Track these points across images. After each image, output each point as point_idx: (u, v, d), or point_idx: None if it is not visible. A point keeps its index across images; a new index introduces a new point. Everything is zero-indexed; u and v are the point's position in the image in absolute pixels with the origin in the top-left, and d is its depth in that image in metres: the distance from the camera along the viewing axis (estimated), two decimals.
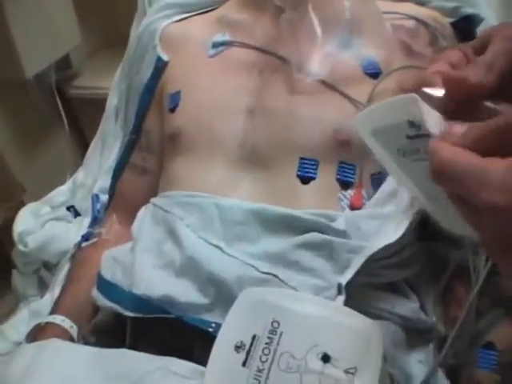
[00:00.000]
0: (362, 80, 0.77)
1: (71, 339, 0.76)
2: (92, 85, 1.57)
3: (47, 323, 0.79)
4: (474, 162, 0.37)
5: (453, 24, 0.87)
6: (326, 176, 0.74)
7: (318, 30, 0.74)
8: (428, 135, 0.41)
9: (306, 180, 0.74)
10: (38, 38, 1.36)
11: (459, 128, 0.40)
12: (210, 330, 0.62)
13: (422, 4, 0.91)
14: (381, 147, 0.48)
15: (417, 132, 0.43)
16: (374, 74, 0.78)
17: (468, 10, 0.89)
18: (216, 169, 0.78)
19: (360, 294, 0.67)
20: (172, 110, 0.86)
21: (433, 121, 0.42)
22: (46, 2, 1.38)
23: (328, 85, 0.77)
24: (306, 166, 0.74)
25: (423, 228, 0.71)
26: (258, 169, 0.76)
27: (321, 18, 0.75)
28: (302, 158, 0.74)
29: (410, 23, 0.83)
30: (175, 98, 0.86)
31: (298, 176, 0.74)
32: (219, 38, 0.87)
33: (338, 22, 0.73)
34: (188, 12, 0.98)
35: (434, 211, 0.48)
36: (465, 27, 0.87)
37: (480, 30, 0.86)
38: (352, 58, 0.78)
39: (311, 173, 0.74)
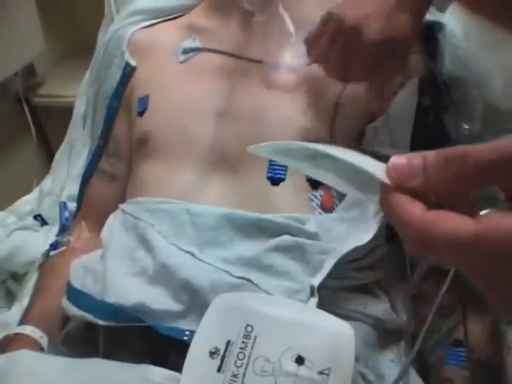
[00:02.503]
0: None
1: (41, 350, 0.75)
2: (57, 93, 1.55)
3: (16, 334, 0.77)
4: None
5: None
6: (295, 177, 0.75)
7: (291, 28, 0.75)
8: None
9: (276, 181, 0.75)
10: (1, 46, 1.34)
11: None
12: (185, 338, 0.62)
13: None
14: (286, 160, 0.48)
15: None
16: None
17: (430, 18, 0.91)
18: (185, 173, 0.78)
19: (332, 296, 0.68)
20: (140, 114, 0.86)
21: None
22: (10, 9, 1.35)
23: (300, 82, 0.78)
24: (276, 167, 0.75)
25: (392, 229, 0.72)
26: (228, 172, 0.77)
27: (292, 18, 0.76)
28: (271, 160, 0.75)
29: None
30: (144, 102, 0.86)
31: (268, 178, 0.75)
32: (189, 44, 0.87)
33: (309, 20, 0.74)
34: (156, 18, 0.98)
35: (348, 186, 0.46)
36: (426, 33, 0.89)
37: (441, 36, 0.88)
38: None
39: (281, 174, 0.74)
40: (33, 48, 1.46)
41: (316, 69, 0.75)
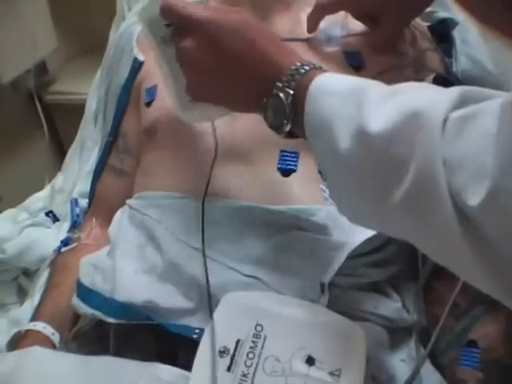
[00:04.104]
0: (345, 70, 0.78)
1: (53, 347, 0.75)
2: (69, 90, 1.56)
3: (28, 331, 0.77)
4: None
5: (429, 27, 0.88)
6: (307, 168, 0.74)
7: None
8: None
9: (286, 173, 0.74)
10: (14, 44, 1.35)
11: None
12: (194, 336, 0.62)
13: None
14: (151, 37, 0.68)
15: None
16: (357, 66, 0.80)
17: (442, 15, 0.90)
18: (193, 164, 0.77)
19: (343, 295, 0.67)
20: (148, 105, 0.85)
21: None
22: (23, 7, 1.36)
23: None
24: (287, 158, 0.74)
25: None
26: (237, 163, 0.76)
27: None
28: (282, 151, 0.74)
29: None
30: (151, 93, 0.85)
31: (279, 169, 0.74)
32: None
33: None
34: None
35: (177, 95, 0.69)
36: (440, 30, 0.88)
37: (455, 32, 0.88)
38: (337, 48, 0.80)
39: (292, 165, 0.73)
40: (45, 45, 1.47)
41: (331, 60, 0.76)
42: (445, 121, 0.45)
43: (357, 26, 0.82)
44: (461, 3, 0.44)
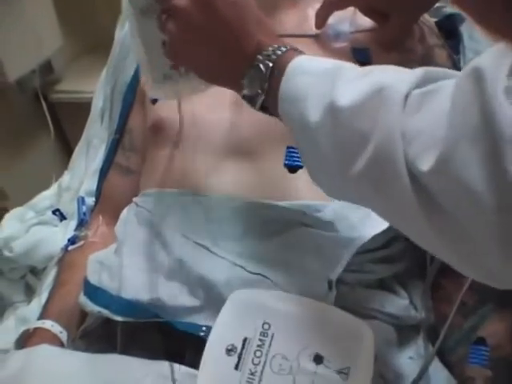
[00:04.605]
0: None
1: (61, 345, 0.75)
2: (75, 89, 1.56)
3: (36, 329, 0.77)
4: None
5: (437, 23, 0.88)
6: None
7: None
8: None
9: (293, 169, 0.73)
10: (19, 43, 1.35)
11: None
12: (201, 334, 0.62)
13: None
14: (131, 7, 0.67)
15: None
16: (364, 63, 0.79)
17: (450, 10, 0.90)
18: (199, 161, 0.77)
19: (350, 292, 0.67)
20: (154, 102, 0.85)
21: None
22: (28, 7, 1.36)
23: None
24: (294, 154, 0.74)
25: None
26: (244, 160, 0.76)
27: None
28: (289, 147, 0.74)
29: None
30: None
31: (286, 165, 0.73)
32: None
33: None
34: None
35: (151, 68, 0.70)
36: (448, 26, 0.88)
37: (463, 28, 0.87)
38: (345, 43, 0.80)
39: (299, 161, 0.73)
40: (50, 44, 1.47)
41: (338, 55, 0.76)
42: (407, 97, 0.48)
43: (365, 22, 0.81)
44: (458, 4, 0.44)
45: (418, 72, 0.51)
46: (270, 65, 0.58)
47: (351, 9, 0.81)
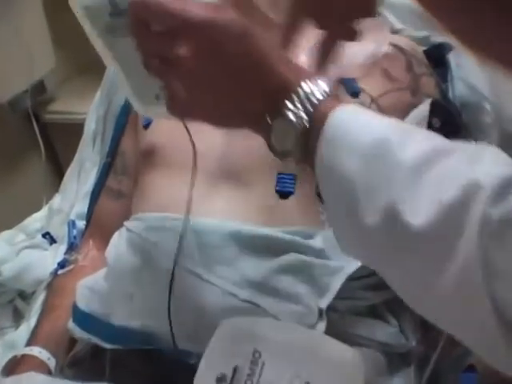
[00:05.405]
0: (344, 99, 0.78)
1: (49, 372, 0.75)
2: (67, 110, 1.56)
3: (24, 355, 0.77)
4: None
5: (425, 52, 0.89)
6: (304, 190, 0.73)
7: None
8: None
9: (284, 195, 0.74)
10: (12, 63, 1.35)
11: None
12: (192, 361, 0.61)
13: (395, 33, 0.93)
14: (90, 24, 0.59)
15: (116, 9, 0.55)
16: (354, 93, 0.79)
17: (438, 39, 0.91)
18: (190, 186, 0.77)
19: (340, 320, 0.67)
20: (146, 127, 0.85)
21: None
22: (21, 27, 1.37)
23: None
24: (285, 180, 0.74)
25: None
26: (235, 185, 0.76)
27: None
28: (280, 173, 0.74)
29: (389, 49, 0.85)
30: None
31: (277, 191, 0.74)
32: None
33: None
34: None
35: (129, 84, 0.61)
36: (436, 55, 0.89)
37: (451, 56, 0.88)
38: (333, 77, 0.78)
39: (290, 187, 0.73)
40: (43, 65, 1.47)
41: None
42: (485, 217, 0.41)
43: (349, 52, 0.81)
44: (444, 23, 0.42)
45: (495, 175, 0.42)
46: (305, 117, 0.48)
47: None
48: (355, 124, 0.48)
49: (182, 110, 0.55)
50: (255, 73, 0.51)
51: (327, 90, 0.49)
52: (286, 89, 0.49)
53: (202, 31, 0.50)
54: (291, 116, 0.49)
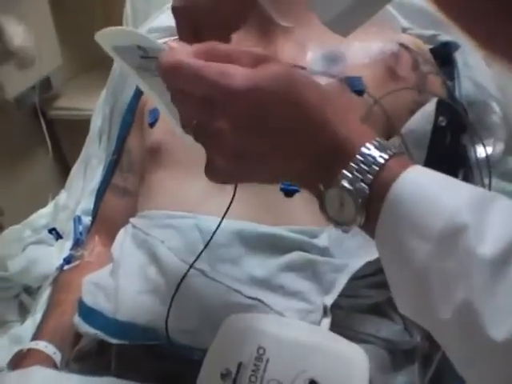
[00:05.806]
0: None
1: (54, 366, 0.75)
2: (73, 106, 1.57)
3: (30, 349, 0.77)
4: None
5: (432, 50, 0.89)
6: None
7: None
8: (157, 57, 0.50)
9: (289, 193, 0.74)
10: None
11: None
12: (196, 357, 0.62)
13: (401, 31, 0.94)
14: (124, 62, 0.59)
15: (146, 54, 0.54)
16: (359, 91, 0.79)
17: (445, 37, 0.91)
18: (196, 184, 0.77)
19: (345, 317, 0.67)
20: (151, 125, 0.86)
21: (156, 44, 0.53)
22: (27, 24, 1.37)
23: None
24: None
25: None
26: (240, 183, 0.76)
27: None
28: None
29: (395, 48, 0.85)
30: (154, 114, 0.86)
31: (282, 189, 0.74)
32: None
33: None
34: (171, 36, 0.98)
35: (167, 112, 0.59)
36: (443, 53, 0.89)
37: (457, 55, 0.88)
38: (339, 74, 0.79)
39: (294, 185, 0.73)
40: (50, 62, 1.48)
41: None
42: None
43: (353, 51, 0.81)
44: (445, 11, 0.40)
45: None
46: (366, 190, 0.43)
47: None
48: (422, 200, 0.42)
49: (220, 178, 0.52)
50: (303, 135, 0.45)
51: (389, 151, 0.44)
52: (341, 154, 0.44)
53: (242, 100, 0.44)
54: (349, 186, 0.44)
